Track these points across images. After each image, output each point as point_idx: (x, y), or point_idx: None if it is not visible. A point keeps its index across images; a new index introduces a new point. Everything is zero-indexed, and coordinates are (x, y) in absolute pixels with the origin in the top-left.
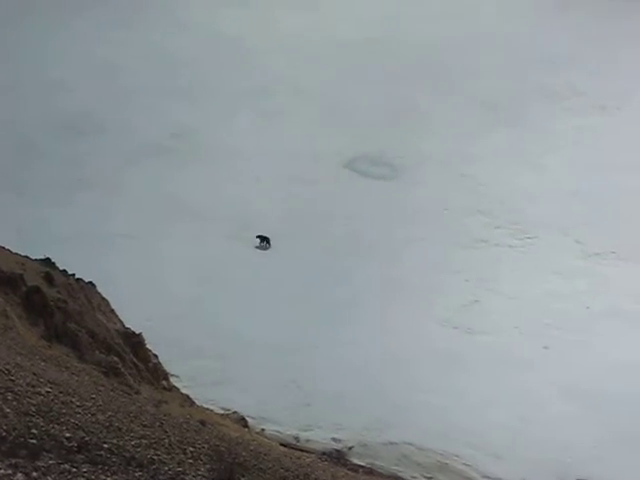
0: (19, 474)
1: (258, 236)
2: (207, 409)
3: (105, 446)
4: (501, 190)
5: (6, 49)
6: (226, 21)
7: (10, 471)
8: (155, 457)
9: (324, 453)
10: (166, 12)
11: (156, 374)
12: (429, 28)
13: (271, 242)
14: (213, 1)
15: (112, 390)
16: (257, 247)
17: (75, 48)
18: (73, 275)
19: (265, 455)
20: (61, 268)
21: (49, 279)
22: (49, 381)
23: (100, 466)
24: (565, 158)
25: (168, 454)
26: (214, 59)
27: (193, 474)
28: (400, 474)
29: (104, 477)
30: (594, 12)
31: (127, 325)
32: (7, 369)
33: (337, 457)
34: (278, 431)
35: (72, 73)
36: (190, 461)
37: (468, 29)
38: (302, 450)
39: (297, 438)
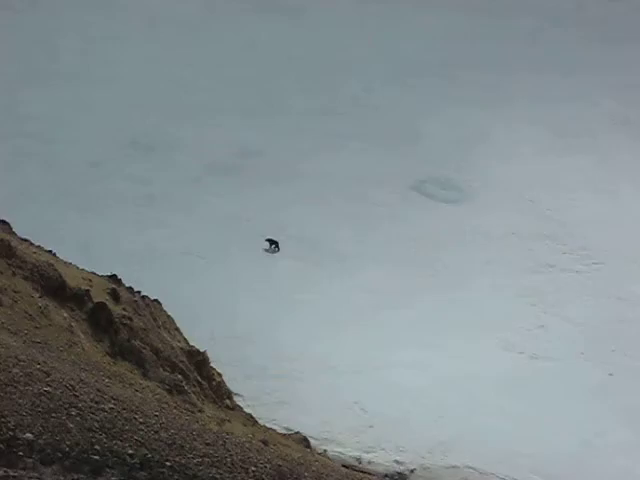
0: None
1: (267, 239)
2: (270, 429)
3: (167, 464)
4: (569, 215)
5: (76, 67)
6: (293, 41)
7: None
8: (217, 476)
9: (386, 475)
10: (232, 30)
11: (219, 393)
12: (491, 47)
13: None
14: (282, 22)
15: (175, 408)
16: (266, 250)
17: (145, 66)
18: (139, 292)
19: (327, 476)
20: (127, 285)
21: (115, 296)
22: (113, 397)
23: None
24: (634, 185)
25: (230, 473)
26: (282, 78)
27: None
28: None
29: None
30: None
31: (191, 343)
32: (71, 385)
33: None
34: (340, 452)
35: (142, 91)
36: None
37: (529, 50)
38: (364, 472)
39: (359, 460)
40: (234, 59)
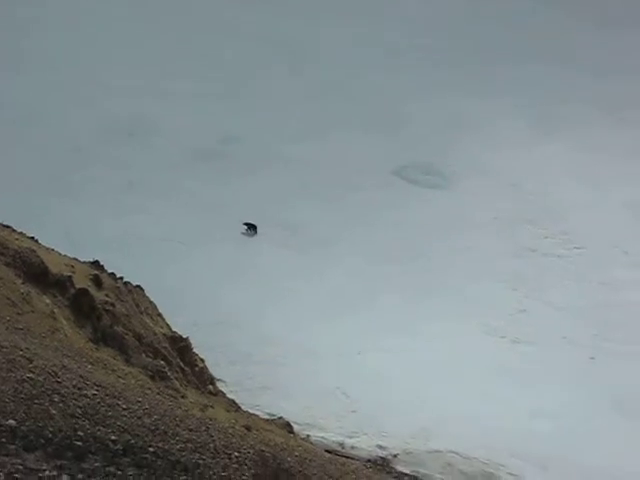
0: (64, 476)
1: (245, 223)
2: (253, 414)
3: (151, 449)
4: (551, 200)
5: (54, 52)
6: (275, 25)
7: (55, 472)
8: (200, 461)
9: (369, 460)
10: (214, 14)
11: (202, 379)
12: (477, 31)
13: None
14: (264, 7)
15: (158, 394)
16: (243, 233)
17: (124, 50)
18: (121, 278)
19: (310, 461)
20: (109, 271)
21: (97, 282)
22: (95, 384)
23: (145, 469)
24: (617, 169)
25: (213, 458)
26: (264, 63)
27: (238, 479)
28: None
29: None
30: None
31: (174, 329)
32: (54, 371)
33: (382, 464)
34: (323, 437)
35: (122, 75)
36: (235, 466)
37: (515, 35)
38: (347, 457)
39: (342, 445)
40: (216, 43)
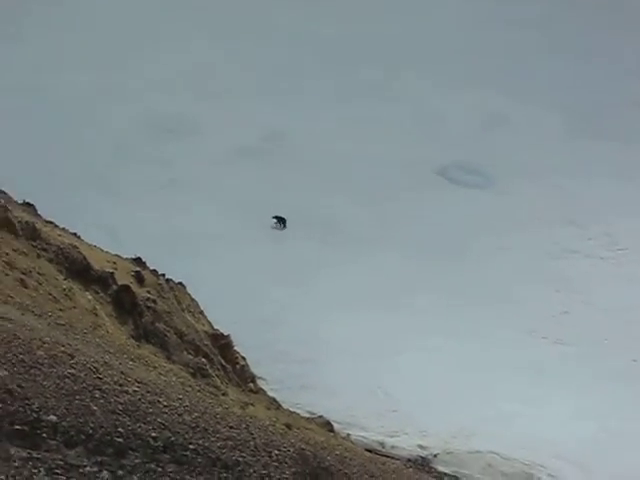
0: (105, 472)
1: (274, 217)
2: (293, 412)
3: (191, 446)
4: (593, 201)
5: (100, 51)
6: (315, 24)
7: (96, 469)
8: (240, 459)
9: (409, 460)
10: (256, 13)
11: (243, 376)
12: (514, 35)
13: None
14: (303, 5)
15: (199, 391)
16: (273, 227)
17: (168, 49)
18: (163, 275)
19: (350, 460)
20: (152, 268)
21: (139, 278)
22: (137, 380)
23: (185, 466)
24: None
25: (253, 456)
26: (304, 61)
27: (278, 477)
28: None
29: (189, 477)
30: None
31: (215, 327)
32: (95, 367)
33: (422, 464)
34: (364, 436)
35: (165, 74)
36: (275, 464)
37: (552, 36)
38: (387, 456)
39: (383, 444)
40: (256, 42)
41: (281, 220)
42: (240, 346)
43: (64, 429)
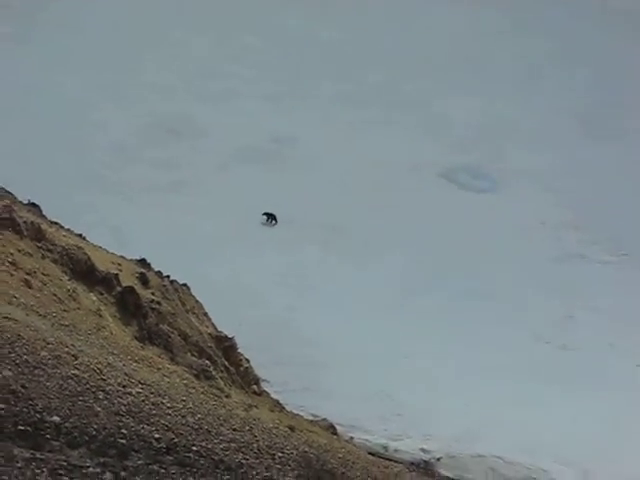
0: (107, 473)
1: (264, 213)
2: (297, 415)
3: (194, 448)
4: (598, 205)
5: (104, 52)
6: (322, 27)
7: (99, 470)
8: (243, 461)
9: (412, 463)
10: (263, 15)
11: (247, 379)
12: (523, 41)
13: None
14: (311, 8)
15: (203, 393)
16: (263, 224)
17: (173, 51)
18: (168, 276)
19: (353, 463)
20: (156, 269)
21: (144, 280)
22: (140, 382)
23: (188, 468)
24: None
25: (256, 458)
26: (311, 64)
27: (281, 479)
28: None
29: (192, 479)
30: None
31: (220, 329)
32: (99, 368)
33: (425, 468)
34: (367, 440)
35: (170, 75)
36: (278, 466)
37: (561, 42)
38: (390, 460)
39: (386, 447)
40: (263, 44)
41: (271, 216)
42: (244, 348)
43: (67, 430)
